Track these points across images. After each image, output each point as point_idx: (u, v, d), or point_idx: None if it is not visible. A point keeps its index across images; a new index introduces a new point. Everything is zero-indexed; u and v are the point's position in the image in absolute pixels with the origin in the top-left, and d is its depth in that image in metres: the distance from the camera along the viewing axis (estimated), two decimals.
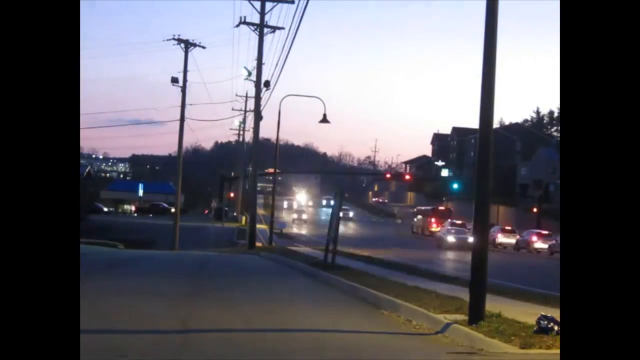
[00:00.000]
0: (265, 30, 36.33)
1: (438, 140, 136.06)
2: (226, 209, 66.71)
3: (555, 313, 8.64)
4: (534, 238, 52.72)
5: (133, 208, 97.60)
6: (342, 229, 25.48)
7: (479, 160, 9.84)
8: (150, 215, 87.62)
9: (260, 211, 70.76)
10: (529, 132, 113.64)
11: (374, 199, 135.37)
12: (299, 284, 16.74)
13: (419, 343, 8.86)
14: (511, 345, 7.97)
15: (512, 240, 55.52)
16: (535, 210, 73.51)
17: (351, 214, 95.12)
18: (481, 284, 9.52)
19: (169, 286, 14.38)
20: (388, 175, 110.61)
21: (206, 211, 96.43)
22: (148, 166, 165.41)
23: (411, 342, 8.98)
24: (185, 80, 46.39)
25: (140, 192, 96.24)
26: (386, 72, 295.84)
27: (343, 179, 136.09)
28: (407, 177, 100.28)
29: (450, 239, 49.35)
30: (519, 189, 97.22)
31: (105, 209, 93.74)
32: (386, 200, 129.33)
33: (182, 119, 46.69)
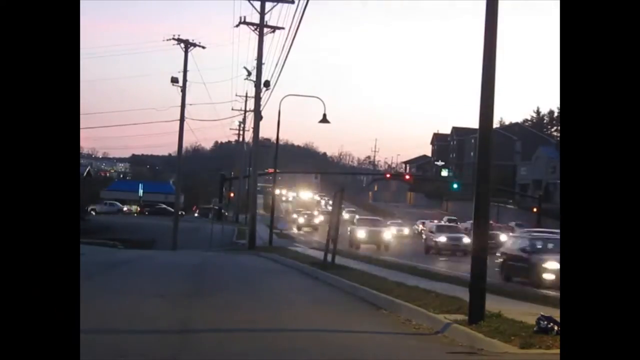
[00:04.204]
0: (265, 30, 36.31)
1: (438, 140, 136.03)
2: (224, 212, 66.45)
3: (555, 313, 8.64)
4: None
5: (137, 208, 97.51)
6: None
7: (479, 160, 9.85)
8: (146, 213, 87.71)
9: (260, 211, 70.69)
10: (529, 132, 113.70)
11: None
12: (298, 284, 16.74)
13: (418, 343, 8.86)
14: (511, 345, 7.97)
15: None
16: (535, 210, 73.50)
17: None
18: (481, 284, 9.53)
19: (168, 286, 14.38)
20: (388, 175, 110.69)
21: (195, 207, 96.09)
22: (148, 166, 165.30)
23: (411, 341, 8.98)
24: (185, 80, 46.32)
25: (140, 192, 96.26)
26: (386, 71, 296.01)
27: (343, 179, 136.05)
28: (407, 177, 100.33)
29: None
30: (519, 189, 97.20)
31: (125, 208, 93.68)
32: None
33: (182, 119, 46.64)
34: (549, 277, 20.23)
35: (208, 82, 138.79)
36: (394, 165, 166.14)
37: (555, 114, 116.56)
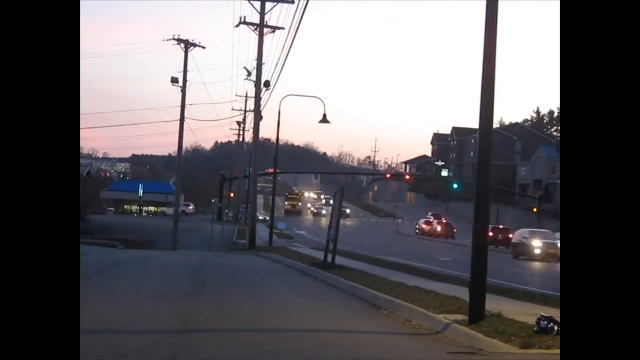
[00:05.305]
0: (265, 30, 36.30)
1: (438, 140, 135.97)
2: (226, 210, 66.53)
3: (555, 313, 8.64)
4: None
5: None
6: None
7: (479, 160, 9.84)
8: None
9: (259, 211, 70.77)
10: (529, 132, 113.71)
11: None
12: (298, 284, 16.73)
13: (418, 343, 8.86)
14: (511, 345, 7.97)
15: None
16: (535, 210, 73.55)
17: (347, 210, 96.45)
18: (481, 284, 9.52)
19: (168, 286, 14.38)
20: (388, 175, 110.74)
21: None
22: (148, 166, 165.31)
23: (411, 341, 8.97)
24: (185, 80, 46.28)
25: (140, 192, 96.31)
26: (386, 71, 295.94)
27: (343, 179, 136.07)
28: (407, 177, 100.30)
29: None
30: (519, 188, 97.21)
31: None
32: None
33: (182, 119, 46.61)
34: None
35: (208, 82, 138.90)
36: (394, 165, 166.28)
37: (555, 114, 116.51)
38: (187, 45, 46.35)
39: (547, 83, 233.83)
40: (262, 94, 37.12)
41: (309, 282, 17.45)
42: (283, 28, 35.30)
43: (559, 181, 73.30)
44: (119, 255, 27.29)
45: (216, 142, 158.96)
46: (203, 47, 47.26)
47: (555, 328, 8.32)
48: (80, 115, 5.83)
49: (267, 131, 70.62)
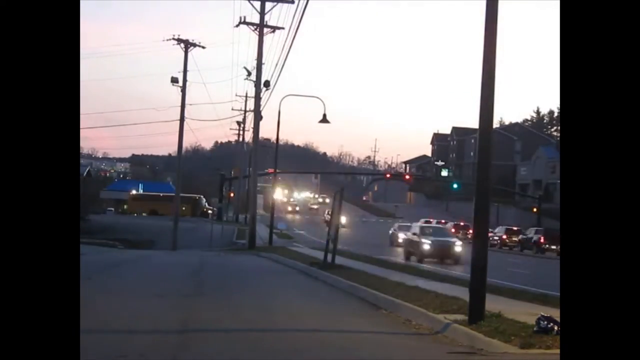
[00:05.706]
0: (265, 30, 36.28)
1: (438, 140, 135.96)
2: (232, 214, 66.24)
3: (555, 313, 8.64)
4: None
5: None
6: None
7: (479, 160, 9.85)
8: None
9: (259, 211, 70.75)
10: (529, 132, 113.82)
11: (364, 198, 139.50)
12: (299, 284, 16.74)
13: (418, 343, 8.86)
14: (511, 345, 7.97)
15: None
16: (535, 210, 73.58)
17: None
18: (481, 284, 9.53)
19: (168, 287, 14.38)
20: (388, 175, 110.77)
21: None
22: (148, 166, 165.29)
23: (411, 341, 8.98)
24: (185, 80, 46.21)
25: (141, 192, 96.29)
26: (386, 71, 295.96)
27: (343, 179, 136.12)
28: (407, 177, 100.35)
29: None
30: (519, 189, 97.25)
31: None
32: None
33: (182, 119, 46.56)
34: None
35: (208, 82, 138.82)
36: (394, 165, 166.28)
37: (555, 114, 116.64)
38: (187, 45, 46.29)
39: (547, 83, 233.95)
40: (262, 94, 37.14)
41: (308, 282, 17.46)
42: (283, 28, 35.28)
43: (559, 181, 73.33)
44: (119, 255, 27.30)
45: (216, 142, 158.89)
46: (203, 47, 47.21)
47: (555, 328, 8.32)
48: (81, 115, 5.83)
49: (267, 131, 70.56)
